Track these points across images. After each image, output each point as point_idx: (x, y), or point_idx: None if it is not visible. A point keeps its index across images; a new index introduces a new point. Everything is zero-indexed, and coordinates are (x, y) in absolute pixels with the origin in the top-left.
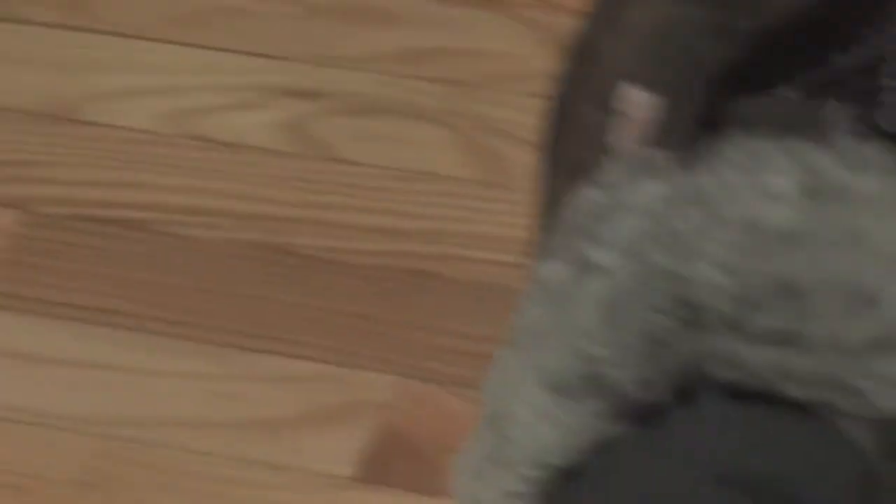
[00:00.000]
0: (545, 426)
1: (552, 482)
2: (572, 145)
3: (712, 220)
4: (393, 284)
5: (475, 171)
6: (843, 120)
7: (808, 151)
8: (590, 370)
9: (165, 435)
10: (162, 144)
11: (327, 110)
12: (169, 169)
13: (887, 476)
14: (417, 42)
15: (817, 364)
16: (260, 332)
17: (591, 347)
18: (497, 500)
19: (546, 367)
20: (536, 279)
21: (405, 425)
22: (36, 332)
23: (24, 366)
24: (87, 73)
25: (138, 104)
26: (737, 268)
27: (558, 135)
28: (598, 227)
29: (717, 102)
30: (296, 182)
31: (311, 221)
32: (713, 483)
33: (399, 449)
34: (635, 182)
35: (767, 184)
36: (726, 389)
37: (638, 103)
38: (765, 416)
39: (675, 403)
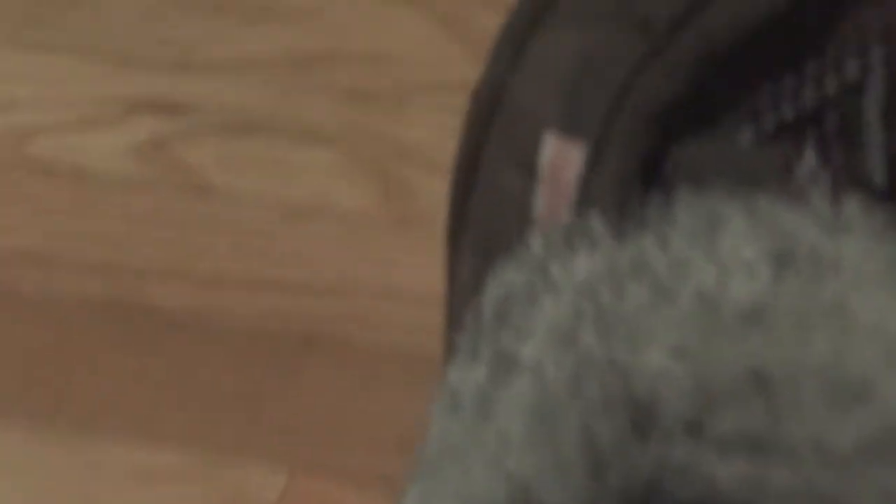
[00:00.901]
0: None
1: None
2: (485, 216)
3: (661, 297)
4: (278, 353)
5: (382, 207)
6: (816, 169)
7: (775, 211)
8: (520, 494)
9: None
10: None
11: (194, 129)
12: None
13: None
14: (307, 43)
15: (798, 474)
16: (110, 414)
17: (519, 466)
18: None
19: (467, 495)
20: (448, 385)
21: None
22: None
23: None
24: None
25: None
26: (694, 354)
27: (467, 204)
28: (521, 315)
29: (655, 150)
30: (155, 220)
31: (174, 272)
32: None
33: None
34: (565, 257)
35: (726, 251)
36: None
37: (560, 157)
38: None
39: None
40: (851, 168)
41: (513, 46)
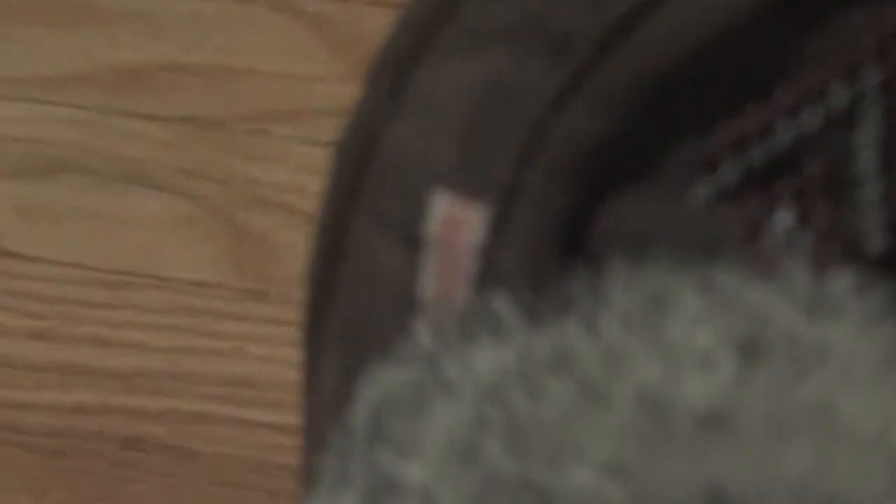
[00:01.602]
0: None
1: None
2: (354, 303)
3: (590, 399)
4: (93, 462)
5: (229, 272)
6: (793, 232)
7: (739, 287)
8: None
9: None
10: None
11: None
12: None
13: None
14: (132, 55)
15: None
16: None
17: None
18: None
19: None
20: None
21: None
22: None
23: None
24: None
25: None
26: (634, 472)
27: (331, 288)
28: (405, 427)
29: (579, 210)
30: None
31: None
32: None
33: None
34: (462, 350)
35: (676, 340)
36: None
37: (455, 222)
38: None
39: None
40: (840, 229)
41: (392, 79)
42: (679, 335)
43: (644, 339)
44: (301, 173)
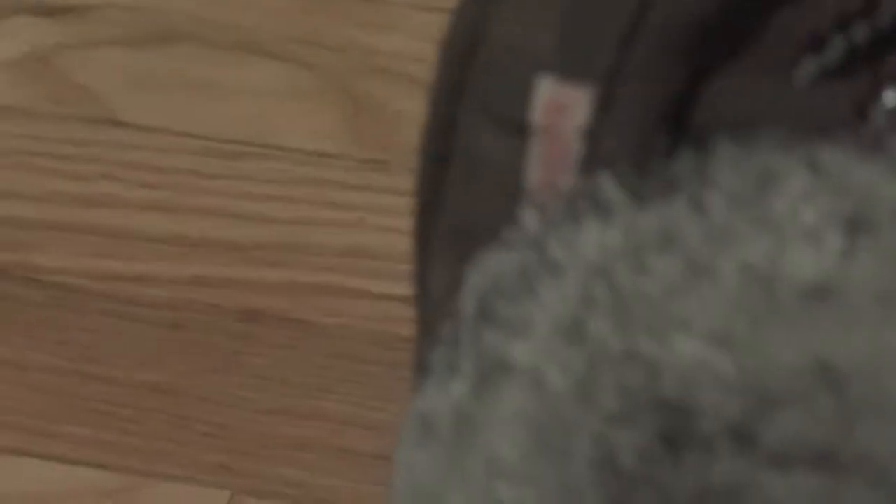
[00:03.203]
0: None
1: None
2: (463, 199)
3: (696, 274)
4: (210, 336)
5: (347, 141)
6: None
7: (845, 165)
8: None
9: None
10: None
11: (90, 38)
12: None
13: None
14: None
15: (881, 493)
16: None
17: (515, 497)
18: None
19: None
20: (416, 414)
21: None
22: None
23: None
24: None
25: None
26: (741, 342)
27: (441, 186)
28: (512, 309)
29: (685, 89)
30: (39, 162)
31: (67, 227)
32: None
33: None
34: (568, 231)
35: (782, 216)
36: None
37: (560, 106)
38: None
39: None
40: None
41: None
42: (785, 212)
43: (750, 217)
44: (420, 41)
